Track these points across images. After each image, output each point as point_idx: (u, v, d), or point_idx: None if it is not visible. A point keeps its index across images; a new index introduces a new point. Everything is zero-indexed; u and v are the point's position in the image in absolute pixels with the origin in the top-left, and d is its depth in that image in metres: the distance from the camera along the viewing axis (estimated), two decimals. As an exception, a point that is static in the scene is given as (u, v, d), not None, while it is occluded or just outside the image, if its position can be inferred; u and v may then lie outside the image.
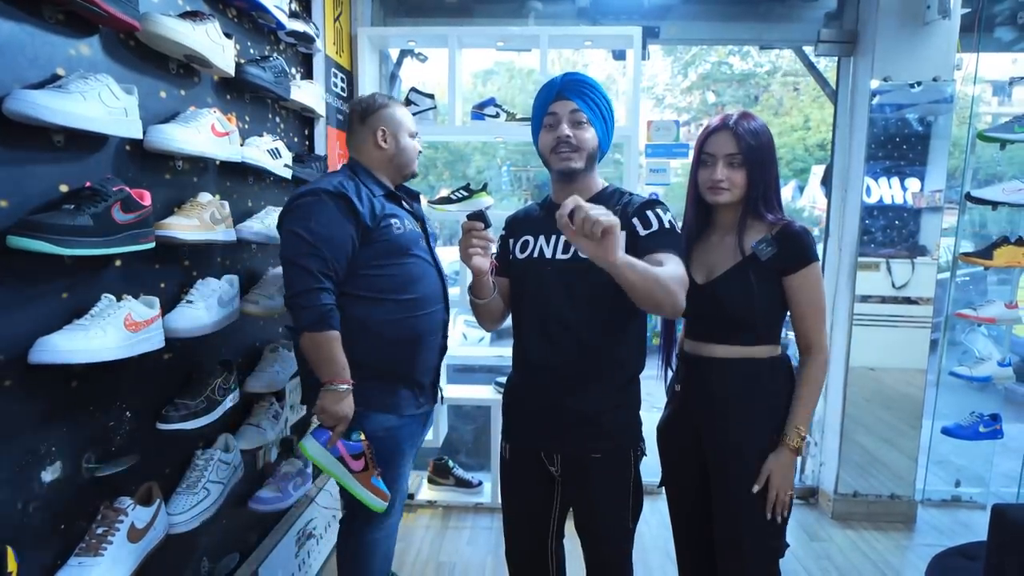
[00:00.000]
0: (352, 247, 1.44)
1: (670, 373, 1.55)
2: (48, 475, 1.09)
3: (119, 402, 1.27)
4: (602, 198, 1.35)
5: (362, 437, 1.46)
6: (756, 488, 1.31)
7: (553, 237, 1.33)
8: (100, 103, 1.07)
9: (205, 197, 1.47)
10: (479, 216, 1.23)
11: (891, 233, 2.57)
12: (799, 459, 2.89)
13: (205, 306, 1.40)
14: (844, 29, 2.61)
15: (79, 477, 1.16)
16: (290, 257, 1.40)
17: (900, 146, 2.52)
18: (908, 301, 2.58)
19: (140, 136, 1.21)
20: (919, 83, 2.43)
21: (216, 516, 1.49)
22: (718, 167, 1.32)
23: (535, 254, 1.35)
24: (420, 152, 1.65)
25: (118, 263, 1.25)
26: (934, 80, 2.42)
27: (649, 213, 1.27)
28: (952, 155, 2.67)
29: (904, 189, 2.55)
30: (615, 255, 1.02)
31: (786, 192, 8.85)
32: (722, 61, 10.03)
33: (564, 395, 1.31)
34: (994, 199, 2.50)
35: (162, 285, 1.40)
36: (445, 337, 1.64)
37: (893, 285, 2.58)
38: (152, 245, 1.23)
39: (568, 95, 1.29)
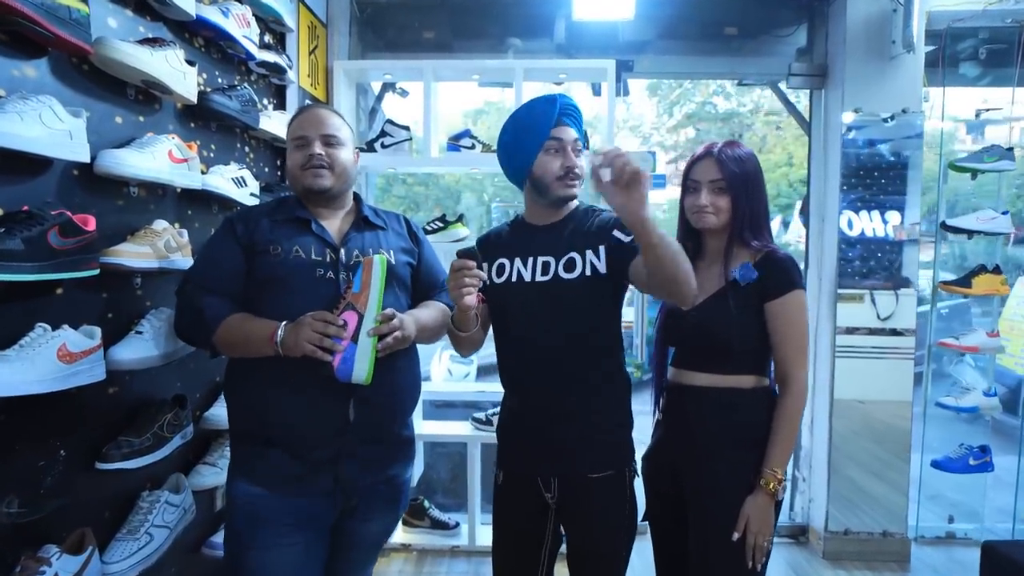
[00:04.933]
0: (238, 264, 1.27)
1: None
2: (-38, 521, 1.00)
3: (53, 440, 1.18)
4: (577, 216, 1.36)
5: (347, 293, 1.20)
6: (736, 536, 1.25)
7: (530, 259, 1.32)
8: (40, 124, 1.03)
9: (161, 224, 1.43)
10: (470, 254, 1.18)
11: (870, 263, 2.56)
12: (787, 498, 2.81)
13: (154, 337, 1.34)
14: (814, 63, 2.67)
15: (-1, 523, 1.07)
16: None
17: (875, 177, 2.54)
18: (894, 333, 2.54)
19: (87, 160, 1.17)
20: (893, 116, 2.46)
21: (161, 564, 1.39)
22: (702, 193, 1.33)
23: (513, 278, 1.33)
24: (320, 156, 1.29)
25: (59, 291, 1.20)
26: (903, 112, 2.46)
27: None
28: (927, 189, 2.69)
29: (885, 222, 2.55)
30: (644, 208, 1.01)
31: (772, 227, 8.93)
32: (706, 101, 10.27)
33: (560, 418, 1.29)
34: (969, 228, 2.52)
35: (110, 315, 1.34)
36: (348, 402, 1.22)
37: (878, 316, 2.55)
38: (95, 272, 1.18)
39: (567, 121, 1.30)
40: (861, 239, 2.55)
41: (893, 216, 2.54)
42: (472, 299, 1.19)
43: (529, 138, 1.31)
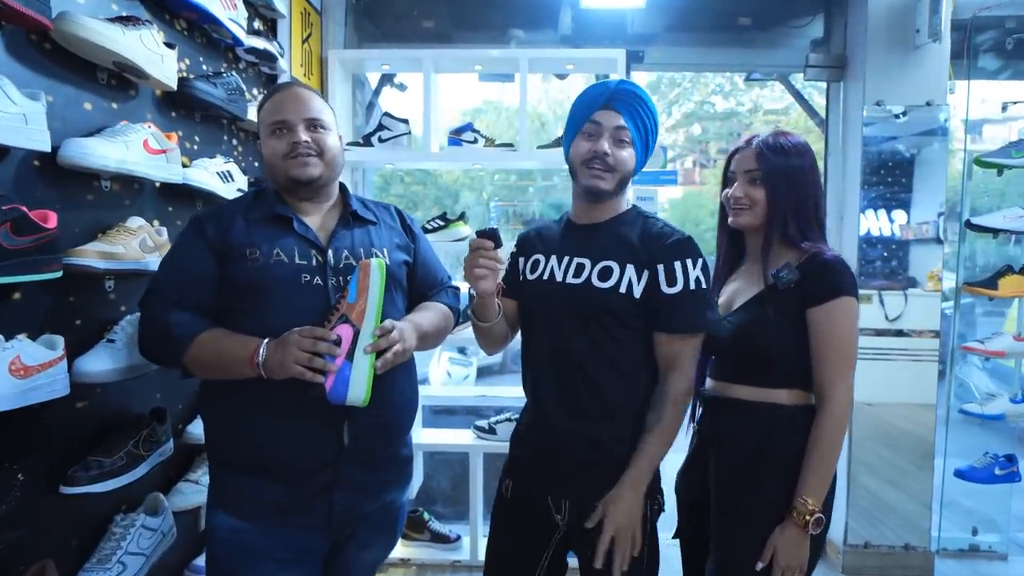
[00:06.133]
0: (209, 271, 1.10)
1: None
2: None
3: (8, 463, 1.06)
4: (624, 221, 1.22)
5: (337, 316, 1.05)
6: (760, 565, 1.13)
7: (565, 258, 1.20)
8: (-12, 106, 0.91)
9: (136, 222, 1.30)
10: (490, 234, 1.09)
11: (885, 265, 2.45)
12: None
13: (127, 345, 1.21)
14: (832, 54, 2.55)
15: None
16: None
17: (894, 171, 2.43)
18: (901, 334, 2.44)
19: (47, 148, 1.04)
20: (905, 111, 2.35)
21: (136, 594, 1.26)
22: (738, 184, 1.24)
23: (545, 276, 1.21)
24: (306, 143, 1.14)
25: (16, 296, 1.07)
26: (927, 104, 2.34)
27: (677, 265, 1.13)
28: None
29: (892, 221, 2.44)
30: None
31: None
32: (705, 100, 10.17)
33: (578, 439, 1.16)
34: (995, 226, 2.40)
35: (78, 322, 1.21)
36: (342, 425, 1.10)
37: (886, 317, 2.45)
38: (56, 275, 1.05)
39: (617, 107, 1.15)
40: (881, 238, 2.44)
41: (915, 214, 2.43)
42: (489, 284, 1.09)
43: (572, 122, 1.21)
